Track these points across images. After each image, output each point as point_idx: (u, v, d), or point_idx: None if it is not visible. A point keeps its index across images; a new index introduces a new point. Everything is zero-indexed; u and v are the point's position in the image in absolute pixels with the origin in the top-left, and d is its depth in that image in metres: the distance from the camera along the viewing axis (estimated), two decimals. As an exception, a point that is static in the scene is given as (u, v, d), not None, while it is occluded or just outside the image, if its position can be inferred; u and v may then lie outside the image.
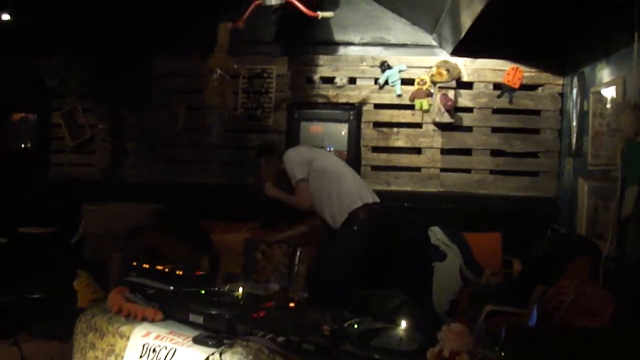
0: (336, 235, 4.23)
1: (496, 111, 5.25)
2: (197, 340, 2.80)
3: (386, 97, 5.38)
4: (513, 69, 5.14)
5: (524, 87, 5.18)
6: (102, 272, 4.33)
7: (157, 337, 2.89)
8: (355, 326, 2.78)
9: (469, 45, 4.87)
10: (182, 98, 5.57)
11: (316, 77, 5.45)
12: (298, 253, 4.49)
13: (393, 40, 5.42)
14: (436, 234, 4.71)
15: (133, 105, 5.66)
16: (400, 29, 5.41)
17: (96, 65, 5.61)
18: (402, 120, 5.37)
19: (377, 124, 5.41)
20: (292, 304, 3.22)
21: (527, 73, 5.16)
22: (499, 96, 5.21)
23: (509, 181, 5.24)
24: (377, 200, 4.32)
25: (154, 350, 2.83)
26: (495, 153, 5.26)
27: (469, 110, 5.28)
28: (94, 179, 5.72)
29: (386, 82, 5.35)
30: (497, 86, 5.23)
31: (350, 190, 4.22)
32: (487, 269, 4.52)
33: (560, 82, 5.14)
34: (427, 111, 5.28)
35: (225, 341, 2.75)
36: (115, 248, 4.53)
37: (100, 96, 5.64)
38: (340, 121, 5.46)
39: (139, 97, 5.63)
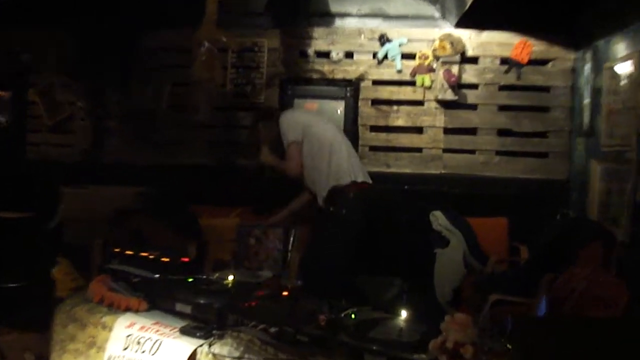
0: (327, 218, 4.23)
1: (503, 88, 5.21)
2: (184, 331, 2.80)
3: (385, 73, 5.34)
4: (521, 42, 5.10)
5: (533, 62, 5.15)
6: (82, 259, 4.33)
7: (141, 328, 2.89)
8: (353, 316, 2.78)
9: (474, 17, 4.82)
10: (168, 73, 5.53)
11: (310, 51, 5.41)
12: (291, 238, 4.53)
13: (393, 12, 5.38)
14: (438, 219, 4.71)
15: (115, 81, 5.61)
16: (400, 0, 5.36)
17: (76, 39, 5.55)
18: (402, 97, 5.33)
19: (376, 102, 5.38)
20: (285, 293, 3.23)
21: (537, 47, 5.13)
22: (506, 72, 5.17)
23: (516, 163, 5.22)
24: (369, 181, 4.32)
25: (138, 342, 2.83)
26: (501, 132, 5.23)
27: (473, 86, 5.24)
28: (73, 160, 5.70)
29: (385, 57, 5.30)
30: (504, 61, 5.19)
31: (340, 165, 4.22)
32: (493, 256, 4.52)
33: (572, 56, 5.11)
34: (429, 88, 5.25)
35: (214, 332, 2.76)
36: (97, 234, 4.52)
37: (79, 72, 5.59)
38: (337, 98, 5.42)
39: (122, 73, 5.58)
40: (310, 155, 4.26)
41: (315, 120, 4.43)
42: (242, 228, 4.67)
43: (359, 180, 4.22)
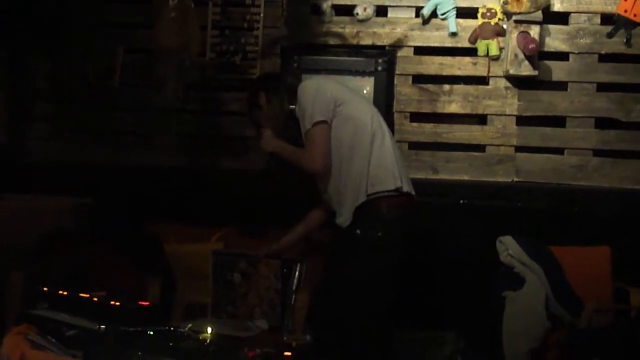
0: (351, 244, 4.15)
1: (605, 58, 5.20)
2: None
3: (433, 37, 5.34)
4: (633, -9, 5.11)
5: (651, 20, 5.14)
6: None
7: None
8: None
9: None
10: (119, 35, 5.53)
11: (326, 5, 5.39)
12: (297, 273, 4.47)
13: (445, -52, 5.39)
14: (509, 248, 4.68)
15: (43, 46, 5.59)
16: None
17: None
18: (457, 72, 5.34)
19: (420, 78, 5.37)
20: (287, 353, 3.36)
21: (656, -2, 5.13)
22: (609, 34, 5.15)
23: (624, 167, 5.19)
24: (413, 192, 4.23)
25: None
26: (603, 123, 5.21)
27: (562, 56, 5.23)
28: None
29: (434, 14, 5.29)
30: (607, 19, 5.17)
31: (383, 163, 4.10)
32: (589, 303, 4.45)
33: None
34: (496, 58, 5.24)
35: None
36: (15, 265, 4.48)
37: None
38: (363, 73, 5.41)
39: (52, 34, 5.55)
40: (339, 146, 4.15)
41: (350, 96, 4.32)
42: (221, 258, 4.61)
43: (405, 189, 4.12)
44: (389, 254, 4.06)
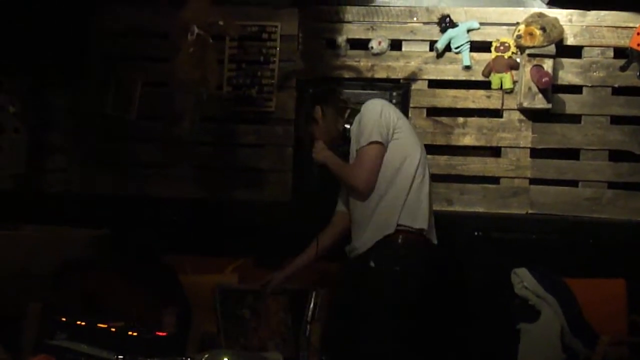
0: (367, 276, 4.09)
1: (619, 91, 5.20)
2: None
3: (447, 70, 5.36)
4: (645, 25, 5.11)
5: (663, 54, 5.14)
6: (13, 331, 4.23)
7: None
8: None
9: (577, -11, 4.89)
10: (138, 69, 5.55)
11: (341, 39, 5.42)
12: (311, 305, 4.43)
13: (459, -16, 5.43)
14: (523, 280, 4.65)
15: (62, 78, 5.60)
16: (470, -34, 5.43)
17: (4, 17, 5.51)
18: (471, 105, 5.35)
19: (434, 111, 5.38)
20: None
21: (669, 32, 5.13)
22: (623, 68, 5.16)
23: (639, 199, 5.18)
24: (435, 241, 4.19)
25: None
26: (617, 156, 5.20)
27: (575, 90, 5.24)
28: (0, 187, 5.63)
29: (448, 48, 5.32)
30: (620, 52, 5.17)
31: (419, 199, 4.06)
32: (605, 335, 4.40)
33: None
34: (510, 91, 5.25)
35: None
36: (34, 296, 4.41)
37: (11, 64, 5.56)
38: None
39: (72, 67, 5.57)
40: (383, 171, 4.08)
41: (407, 126, 4.26)
42: (225, 293, 4.49)
43: (427, 235, 4.08)
44: (404, 289, 3.99)
